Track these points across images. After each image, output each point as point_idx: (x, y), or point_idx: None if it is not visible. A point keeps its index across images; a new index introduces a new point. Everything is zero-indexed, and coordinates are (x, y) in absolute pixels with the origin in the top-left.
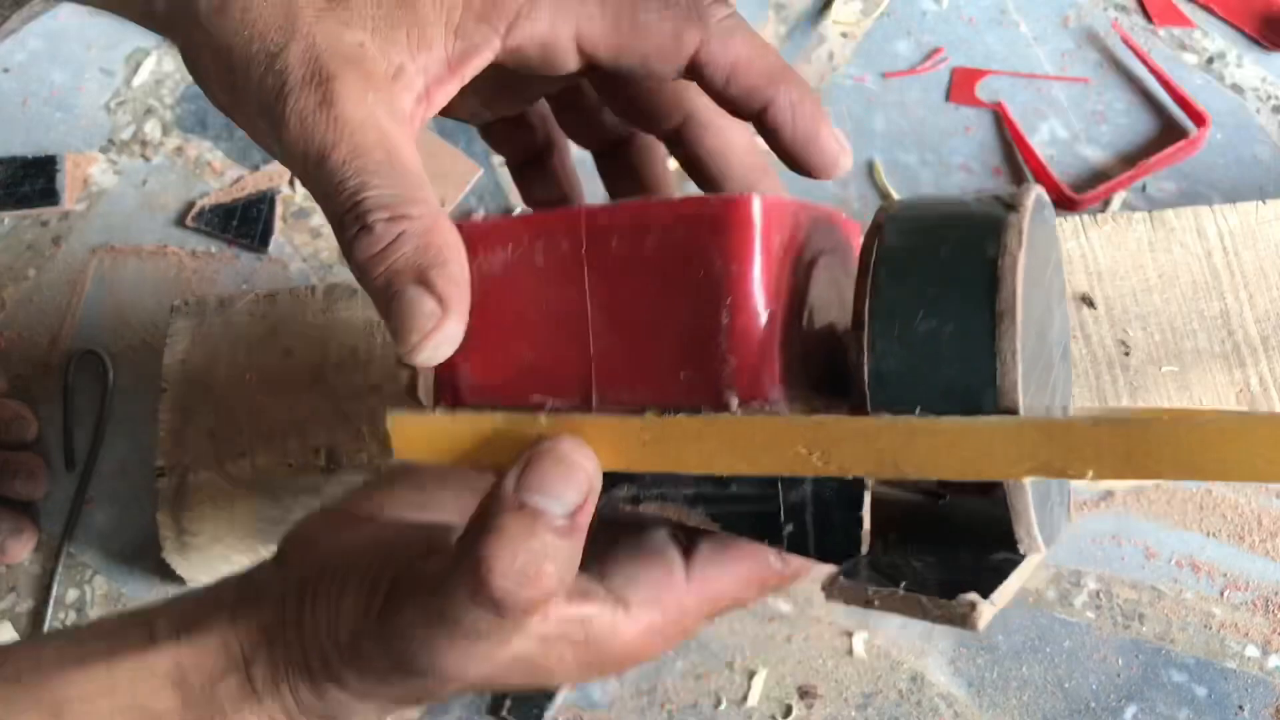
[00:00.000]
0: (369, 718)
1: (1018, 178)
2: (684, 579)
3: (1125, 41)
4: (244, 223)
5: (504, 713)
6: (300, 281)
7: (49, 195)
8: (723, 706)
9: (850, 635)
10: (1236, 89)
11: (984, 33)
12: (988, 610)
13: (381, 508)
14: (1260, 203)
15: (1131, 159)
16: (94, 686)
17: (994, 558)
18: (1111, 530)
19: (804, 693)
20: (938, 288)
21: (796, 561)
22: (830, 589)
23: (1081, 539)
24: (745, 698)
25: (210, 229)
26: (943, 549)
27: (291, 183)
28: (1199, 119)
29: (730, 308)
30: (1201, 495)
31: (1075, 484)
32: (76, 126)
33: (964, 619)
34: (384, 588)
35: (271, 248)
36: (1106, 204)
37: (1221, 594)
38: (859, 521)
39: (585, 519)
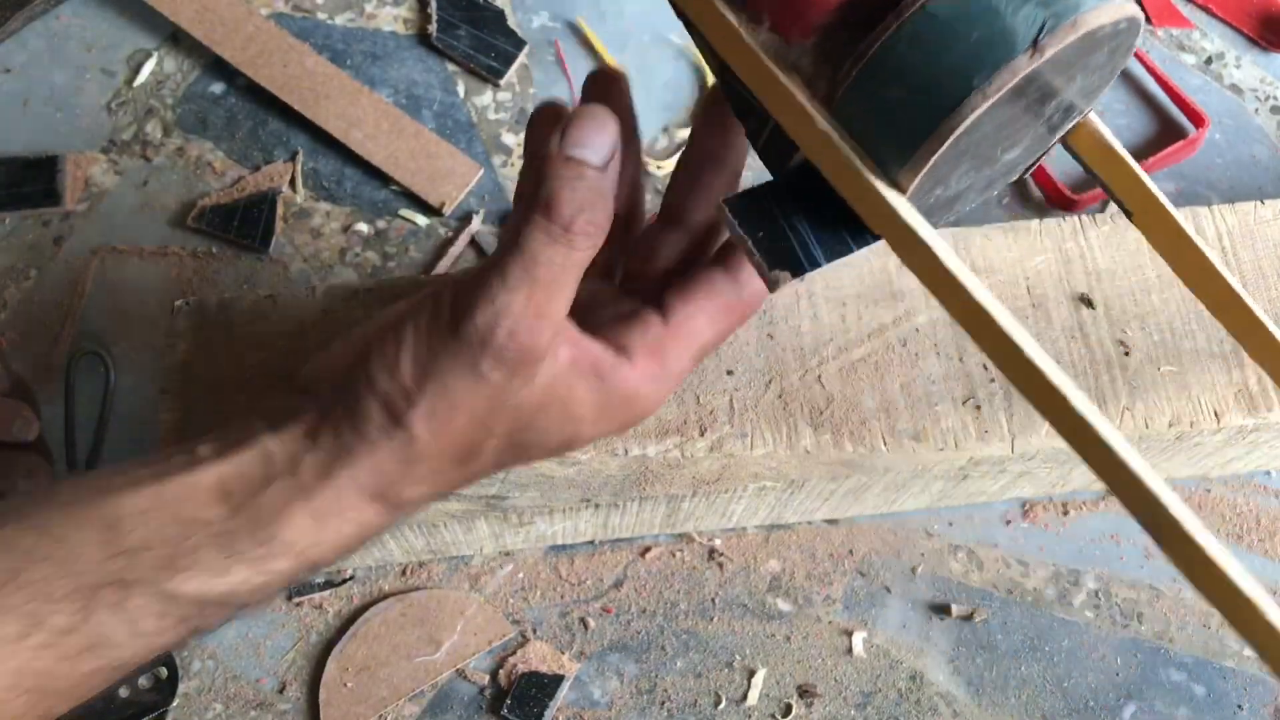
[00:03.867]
0: (422, 493)
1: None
2: (662, 323)
3: None
4: (245, 223)
5: (504, 711)
6: (301, 282)
7: (50, 196)
8: (722, 706)
9: (850, 635)
10: (1235, 89)
11: None
12: (785, 284)
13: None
14: (1259, 203)
15: None
16: (145, 503)
17: (843, 239)
18: (1110, 529)
19: (803, 692)
20: (924, 75)
21: (750, 286)
22: (722, 207)
23: (1080, 538)
24: (745, 697)
25: (211, 229)
26: (823, 217)
27: (292, 183)
28: (1197, 119)
29: None
30: (1200, 495)
31: (1075, 484)
32: (77, 127)
33: (768, 283)
34: (447, 298)
35: (272, 248)
36: (1105, 204)
37: None
38: (783, 161)
39: (615, 169)
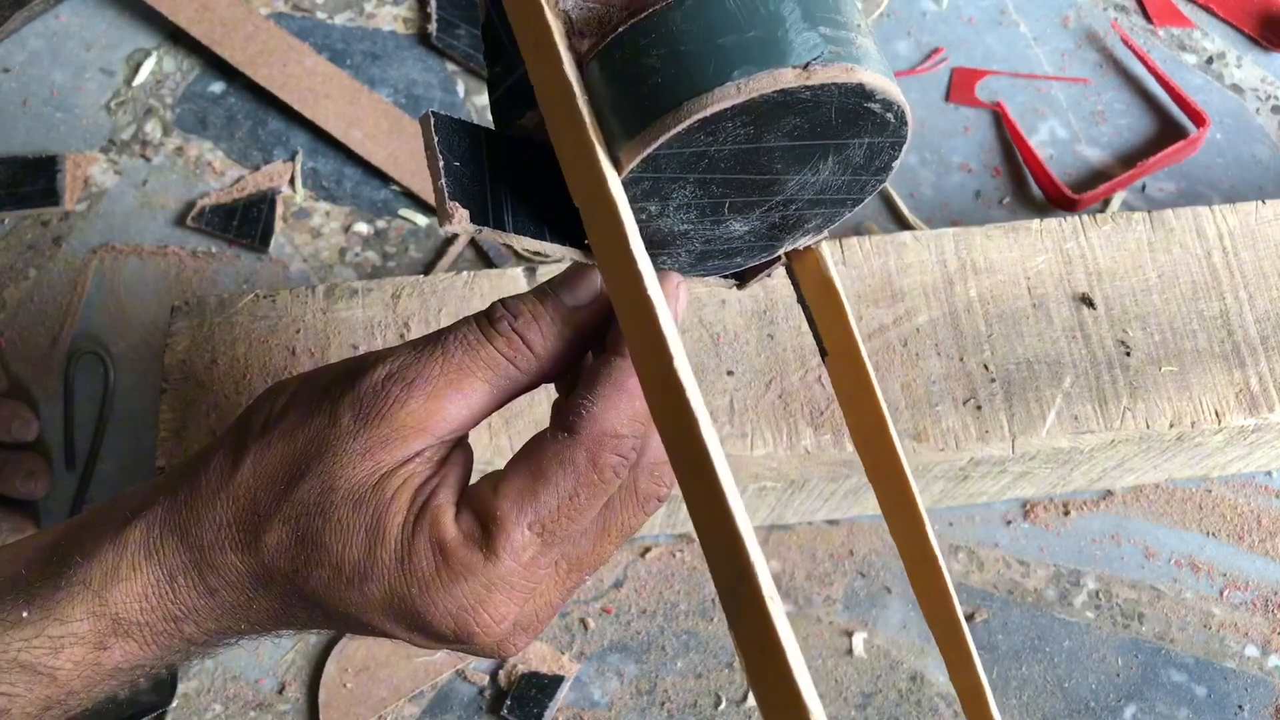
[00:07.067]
0: (215, 557)
1: (1017, 177)
2: (490, 485)
3: (1125, 42)
4: (244, 223)
5: (504, 712)
6: (300, 281)
7: (49, 195)
8: (722, 706)
9: (850, 635)
10: (1236, 89)
11: (984, 33)
12: (459, 224)
13: None
14: (1260, 203)
15: (1131, 159)
16: None
17: (541, 226)
18: (1111, 530)
19: None
20: (687, 50)
21: (587, 428)
22: (429, 117)
23: (1081, 539)
24: (745, 697)
25: (211, 229)
26: (530, 193)
27: (292, 183)
28: (1198, 119)
29: None
30: (1201, 495)
31: (1075, 484)
32: (77, 126)
33: (441, 215)
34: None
35: (272, 248)
36: (1106, 204)
37: (1221, 594)
38: (513, 117)
39: (584, 316)
